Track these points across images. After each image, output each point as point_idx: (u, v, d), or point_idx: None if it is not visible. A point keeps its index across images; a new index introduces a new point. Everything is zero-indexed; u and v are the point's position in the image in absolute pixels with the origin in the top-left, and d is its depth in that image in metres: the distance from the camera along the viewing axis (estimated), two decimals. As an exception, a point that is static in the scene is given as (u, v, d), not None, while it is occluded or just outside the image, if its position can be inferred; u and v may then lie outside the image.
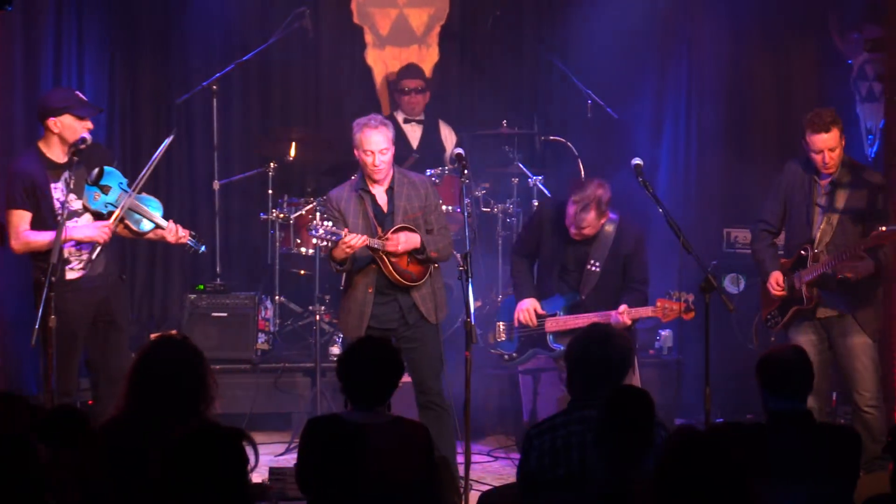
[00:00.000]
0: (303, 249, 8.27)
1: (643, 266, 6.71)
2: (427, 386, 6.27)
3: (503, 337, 6.90)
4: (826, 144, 6.27)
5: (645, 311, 6.51)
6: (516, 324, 6.77)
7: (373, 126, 6.17)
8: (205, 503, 3.31)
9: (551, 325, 6.71)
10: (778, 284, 6.49)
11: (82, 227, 6.21)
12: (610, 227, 6.62)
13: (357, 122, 6.27)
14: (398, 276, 6.20)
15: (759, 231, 6.73)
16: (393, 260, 6.17)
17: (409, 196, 6.28)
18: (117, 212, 6.22)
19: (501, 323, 6.91)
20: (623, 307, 6.46)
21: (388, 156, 6.20)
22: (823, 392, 6.43)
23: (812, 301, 6.42)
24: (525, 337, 6.78)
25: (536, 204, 8.00)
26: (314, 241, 6.15)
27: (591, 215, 6.51)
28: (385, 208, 6.27)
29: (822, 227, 6.41)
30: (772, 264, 6.57)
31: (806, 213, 6.48)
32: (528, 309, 6.71)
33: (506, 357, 6.91)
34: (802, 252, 6.45)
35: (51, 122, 6.18)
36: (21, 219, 6.17)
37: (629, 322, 6.46)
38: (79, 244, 6.21)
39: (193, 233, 6.47)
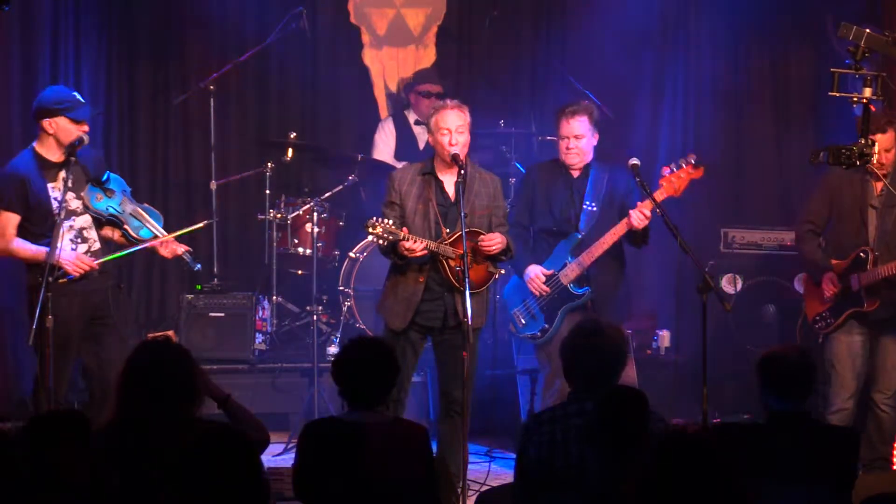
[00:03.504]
0: (300, 249, 8.28)
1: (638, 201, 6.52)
2: (452, 396, 6.08)
3: (524, 321, 6.62)
4: (882, 146, 6.24)
5: (657, 197, 6.25)
6: (537, 293, 6.53)
7: (449, 107, 6.10)
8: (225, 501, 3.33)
9: (566, 275, 6.49)
10: (834, 284, 6.46)
11: (60, 252, 6.04)
12: (603, 173, 6.55)
13: (433, 107, 6.23)
14: (453, 280, 6.00)
15: (804, 232, 6.68)
16: (452, 263, 6.00)
17: (478, 191, 6.13)
18: (110, 257, 6.19)
19: (516, 310, 6.65)
20: (637, 203, 6.27)
21: (465, 138, 6.07)
22: (859, 394, 6.43)
23: (874, 304, 6.39)
24: (547, 304, 6.52)
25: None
26: (370, 237, 5.98)
27: (584, 120, 6.46)
28: (452, 197, 6.10)
29: (880, 228, 6.41)
30: (825, 264, 6.53)
31: (859, 215, 6.47)
32: (534, 277, 6.50)
33: (539, 334, 6.58)
34: (862, 254, 6.42)
35: (45, 122, 6.12)
36: (8, 221, 6.11)
37: (649, 214, 6.23)
38: (75, 245, 6.18)
39: (191, 250, 6.42)
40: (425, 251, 5.93)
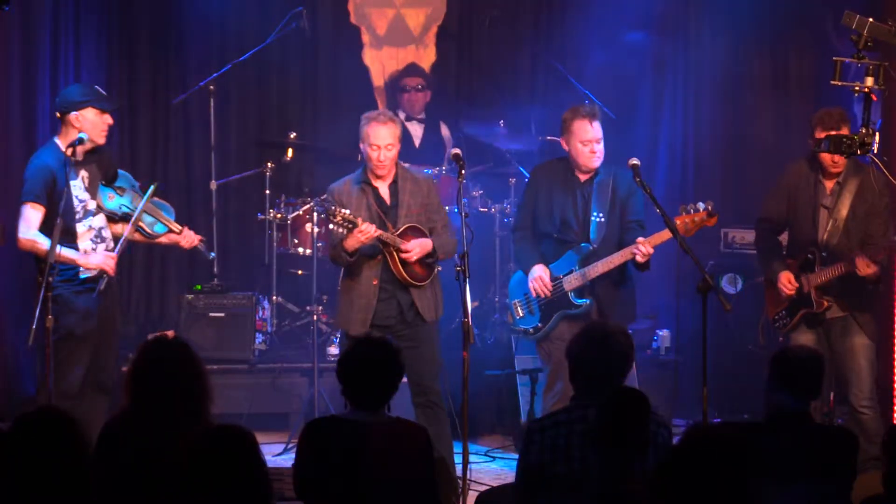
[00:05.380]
0: (300, 249, 8.28)
1: (640, 207, 6.56)
2: (425, 386, 6.25)
3: (521, 314, 6.65)
4: None
5: (664, 235, 6.21)
6: (533, 294, 6.54)
7: (381, 121, 6.21)
8: (230, 500, 3.33)
9: (570, 283, 6.50)
10: (790, 283, 6.45)
11: (93, 256, 6.10)
12: (608, 177, 6.55)
13: (366, 116, 6.30)
14: (405, 275, 6.21)
15: (763, 230, 6.71)
16: (402, 257, 6.19)
17: (412, 192, 6.31)
18: (130, 225, 6.19)
19: (516, 301, 6.68)
20: (640, 239, 6.26)
21: (394, 152, 6.23)
22: (822, 393, 6.42)
23: (823, 306, 6.40)
24: (546, 304, 6.54)
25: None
26: (330, 226, 6.14)
27: (600, 123, 6.51)
28: (388, 202, 6.30)
29: (828, 229, 6.41)
30: (780, 264, 6.55)
31: (811, 214, 6.47)
32: (538, 276, 6.50)
33: (531, 331, 6.62)
34: (809, 255, 6.43)
35: (73, 116, 6.10)
36: (34, 214, 6.02)
37: (651, 249, 6.24)
38: (95, 245, 6.18)
39: (204, 239, 6.51)
40: (378, 235, 6.09)
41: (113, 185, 6.27)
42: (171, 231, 6.37)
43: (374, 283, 6.25)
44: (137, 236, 6.36)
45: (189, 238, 6.42)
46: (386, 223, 6.22)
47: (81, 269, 6.11)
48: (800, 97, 8.97)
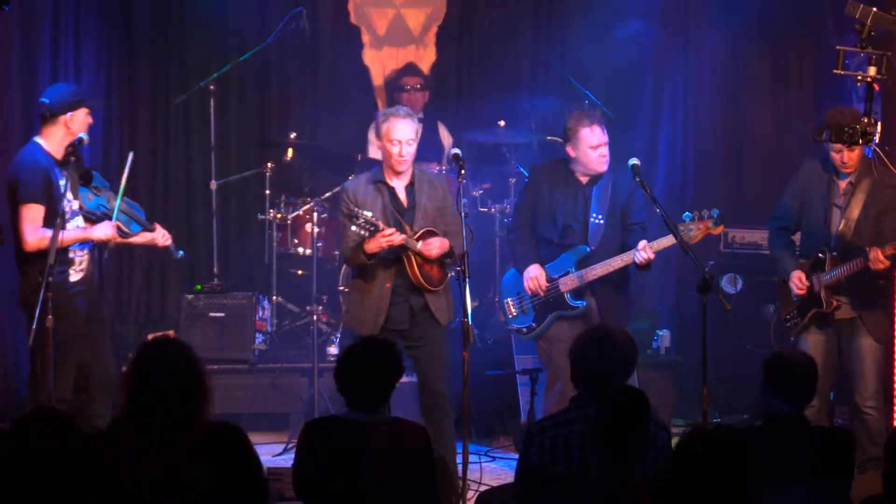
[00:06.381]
0: (300, 249, 8.28)
1: (641, 209, 6.56)
2: (431, 387, 6.19)
3: (515, 312, 6.64)
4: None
5: (666, 242, 6.24)
6: (528, 291, 6.53)
7: (401, 116, 6.17)
8: (228, 498, 3.33)
9: (566, 284, 6.50)
10: (801, 283, 6.42)
11: (98, 228, 6.17)
12: (608, 180, 6.55)
13: (384, 112, 6.26)
14: (421, 279, 6.15)
15: (776, 229, 6.67)
16: (419, 262, 6.13)
17: (429, 194, 6.25)
18: (116, 212, 6.22)
19: (509, 300, 6.67)
20: (643, 243, 6.26)
21: (413, 148, 6.17)
22: (825, 393, 6.42)
23: (832, 305, 6.38)
24: (541, 304, 6.54)
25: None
26: (352, 227, 6.03)
27: (605, 130, 6.49)
28: (405, 203, 6.23)
29: (840, 228, 6.39)
30: (792, 263, 6.52)
31: (823, 213, 6.45)
32: (535, 276, 6.50)
33: (524, 330, 6.62)
34: (820, 255, 6.41)
35: (67, 117, 6.11)
36: (39, 213, 6.00)
37: (653, 255, 6.25)
38: (81, 245, 6.19)
39: (171, 236, 6.55)
40: (402, 241, 6.03)
41: (90, 186, 6.26)
42: (145, 230, 6.38)
43: (388, 285, 6.17)
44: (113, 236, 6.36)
45: (164, 235, 6.43)
46: (402, 224, 6.15)
47: (72, 272, 6.11)
48: (799, 96, 8.98)
